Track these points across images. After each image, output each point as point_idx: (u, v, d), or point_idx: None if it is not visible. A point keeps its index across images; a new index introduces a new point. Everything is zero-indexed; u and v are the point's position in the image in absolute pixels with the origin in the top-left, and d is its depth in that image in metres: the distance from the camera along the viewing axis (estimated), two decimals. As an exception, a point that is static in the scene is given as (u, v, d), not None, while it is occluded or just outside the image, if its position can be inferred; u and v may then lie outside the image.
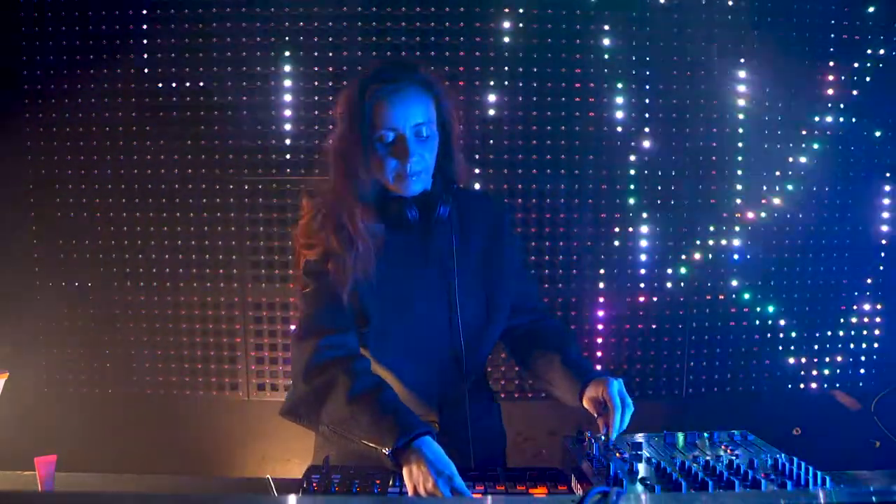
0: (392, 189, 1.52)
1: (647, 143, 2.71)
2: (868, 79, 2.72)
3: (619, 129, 2.70)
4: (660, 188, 2.74)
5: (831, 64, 2.72)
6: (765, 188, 2.76)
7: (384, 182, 1.51)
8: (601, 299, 2.77)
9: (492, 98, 2.67)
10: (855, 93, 2.73)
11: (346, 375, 1.38)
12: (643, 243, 2.75)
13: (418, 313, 1.56)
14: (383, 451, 1.28)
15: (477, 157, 2.69)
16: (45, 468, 1.42)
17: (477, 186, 2.69)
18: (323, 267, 1.51)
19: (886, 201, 2.80)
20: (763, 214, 2.77)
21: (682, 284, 2.77)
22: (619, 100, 2.69)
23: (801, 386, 2.85)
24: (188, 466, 2.70)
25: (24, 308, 2.72)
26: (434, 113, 1.51)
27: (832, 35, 2.71)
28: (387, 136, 1.47)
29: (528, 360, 1.71)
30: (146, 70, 2.65)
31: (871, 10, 2.69)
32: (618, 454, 1.37)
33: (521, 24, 2.65)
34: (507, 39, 2.65)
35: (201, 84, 2.66)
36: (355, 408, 1.34)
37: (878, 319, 2.84)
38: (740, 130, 2.73)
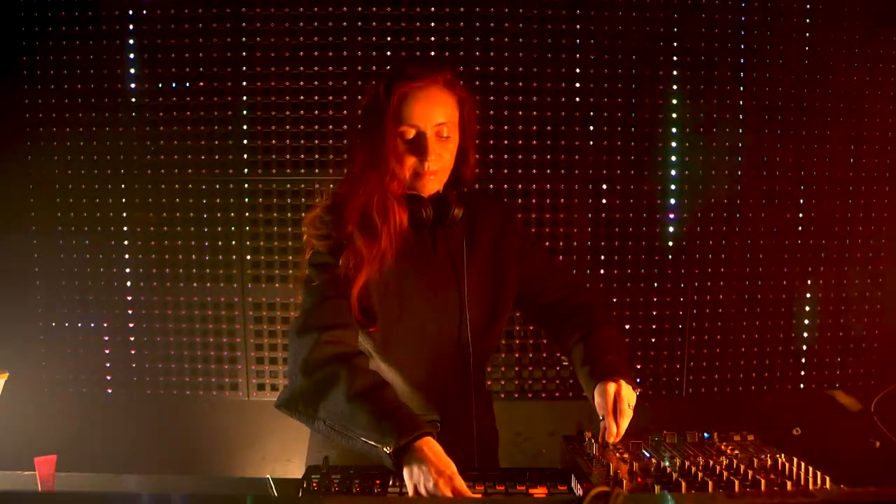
0: (408, 187, 1.53)
1: (646, 143, 2.71)
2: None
3: (619, 128, 2.71)
4: (659, 188, 2.74)
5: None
6: (765, 188, 2.76)
7: (402, 179, 1.51)
8: (600, 299, 2.76)
9: (492, 98, 2.67)
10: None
11: (347, 371, 1.37)
12: (642, 242, 2.75)
13: (426, 312, 1.57)
14: (384, 450, 1.27)
15: (477, 156, 2.68)
16: (45, 468, 1.42)
17: (476, 187, 2.69)
18: (331, 259, 1.50)
19: (887, 200, 2.80)
20: (763, 214, 2.77)
21: (682, 284, 2.77)
22: (619, 100, 2.69)
23: (801, 386, 2.85)
24: (188, 466, 2.71)
25: (24, 308, 2.72)
26: (456, 114, 1.52)
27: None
28: (408, 133, 1.48)
29: (562, 348, 1.70)
30: (146, 70, 2.65)
31: None
32: (618, 454, 1.37)
33: (521, 25, 2.65)
34: (506, 39, 2.65)
35: (201, 84, 2.66)
36: (356, 405, 1.32)
37: (877, 319, 2.84)
38: (740, 131, 2.73)
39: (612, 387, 1.44)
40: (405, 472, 1.24)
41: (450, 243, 1.59)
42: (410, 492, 1.22)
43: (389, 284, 1.52)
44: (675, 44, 2.68)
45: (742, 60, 2.70)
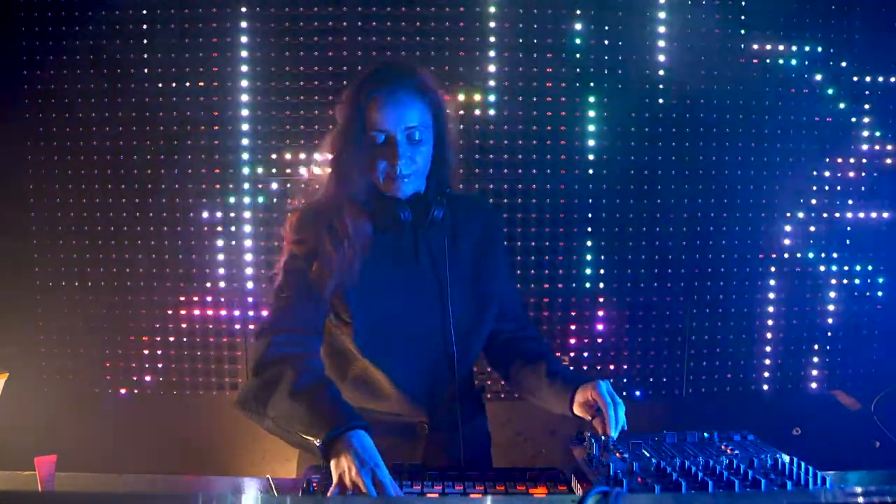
0: (383, 190, 1.54)
1: (646, 143, 2.71)
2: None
3: (619, 128, 2.70)
4: (659, 187, 2.74)
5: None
6: (764, 188, 2.76)
7: (376, 182, 1.53)
8: (601, 299, 2.77)
9: (491, 98, 2.67)
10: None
11: (293, 370, 1.39)
12: (643, 243, 2.75)
13: (409, 313, 1.57)
14: (315, 442, 1.28)
15: (477, 156, 2.69)
16: (45, 468, 1.41)
17: (476, 187, 2.70)
18: (304, 264, 1.52)
19: (887, 201, 2.80)
20: (763, 214, 2.77)
21: (682, 284, 2.77)
22: (619, 99, 2.69)
23: (801, 386, 2.85)
24: (188, 466, 2.70)
25: (24, 308, 2.71)
26: (429, 117, 1.53)
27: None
28: (378, 138, 1.49)
29: (510, 370, 1.73)
30: (146, 70, 2.65)
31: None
32: (618, 454, 1.37)
33: (520, 24, 2.65)
34: (506, 39, 2.65)
35: (201, 84, 2.65)
36: (296, 401, 1.34)
37: (877, 319, 2.84)
38: (740, 130, 2.73)
39: (603, 383, 1.47)
40: (332, 463, 1.25)
41: (432, 244, 1.59)
42: (335, 481, 1.23)
43: (369, 286, 1.53)
44: (665, 43, 2.69)
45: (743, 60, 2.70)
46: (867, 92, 2.74)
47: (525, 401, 2.74)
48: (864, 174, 2.78)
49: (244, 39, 2.63)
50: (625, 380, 2.77)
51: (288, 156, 2.69)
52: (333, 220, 1.51)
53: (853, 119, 2.75)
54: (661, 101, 2.70)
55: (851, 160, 2.77)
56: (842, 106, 2.74)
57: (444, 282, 1.57)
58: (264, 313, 2.71)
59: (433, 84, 1.55)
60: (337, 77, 2.65)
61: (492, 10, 2.63)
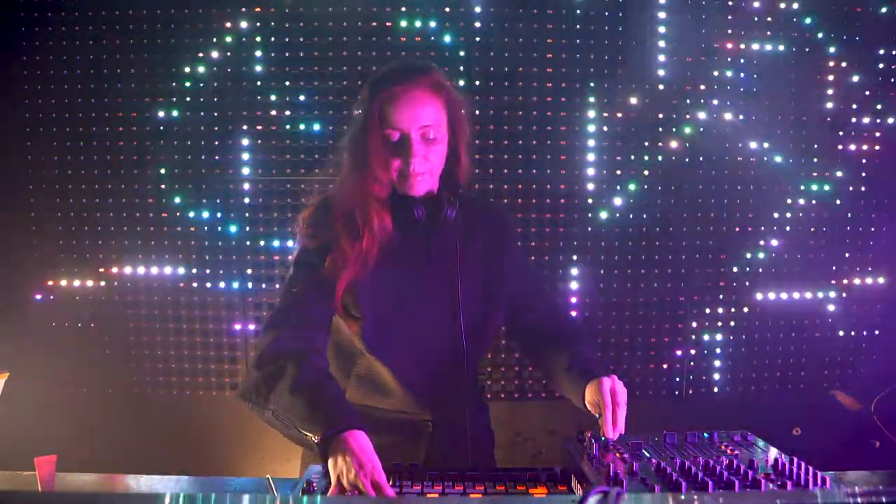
0: (397, 187, 1.55)
1: (646, 143, 2.71)
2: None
3: (619, 128, 2.70)
4: (659, 188, 2.74)
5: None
6: (764, 188, 2.76)
7: (390, 180, 1.53)
8: (601, 299, 2.77)
9: (491, 98, 2.67)
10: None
11: (295, 365, 1.40)
12: (643, 243, 2.75)
13: (419, 311, 1.57)
14: (313, 438, 1.29)
15: (477, 156, 2.69)
16: (45, 468, 1.42)
17: (476, 187, 2.70)
18: (315, 259, 1.53)
19: (887, 200, 2.79)
20: (763, 214, 2.77)
21: (683, 284, 2.77)
22: (619, 99, 2.69)
23: (801, 386, 2.85)
24: (188, 466, 2.69)
25: (24, 308, 2.71)
26: (444, 116, 1.54)
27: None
28: (392, 136, 1.50)
29: (539, 360, 1.74)
30: (146, 70, 2.65)
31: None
32: (618, 454, 1.37)
33: (520, 24, 2.65)
34: (506, 39, 2.65)
35: (201, 84, 2.65)
36: (296, 396, 1.35)
37: (877, 319, 2.84)
38: (740, 130, 2.73)
39: (607, 382, 1.46)
40: (329, 462, 1.26)
41: (444, 243, 1.60)
42: (333, 482, 1.23)
43: (380, 283, 1.53)
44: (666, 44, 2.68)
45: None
46: (867, 92, 2.74)
47: (525, 401, 2.77)
48: (863, 173, 2.78)
49: (245, 39, 2.63)
50: (625, 379, 2.76)
51: (288, 155, 2.68)
52: (355, 215, 1.52)
53: (853, 119, 2.75)
54: (660, 100, 2.69)
55: (851, 159, 2.77)
56: (839, 105, 2.75)
57: (454, 281, 1.57)
58: (264, 313, 2.72)
59: (448, 83, 1.55)
60: (338, 77, 2.65)
61: (492, 9, 2.63)
